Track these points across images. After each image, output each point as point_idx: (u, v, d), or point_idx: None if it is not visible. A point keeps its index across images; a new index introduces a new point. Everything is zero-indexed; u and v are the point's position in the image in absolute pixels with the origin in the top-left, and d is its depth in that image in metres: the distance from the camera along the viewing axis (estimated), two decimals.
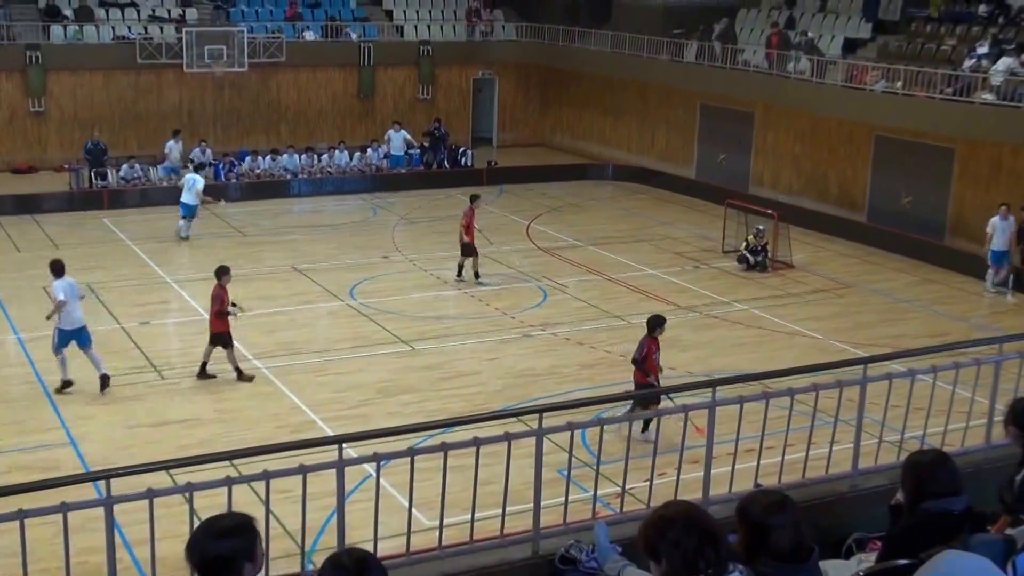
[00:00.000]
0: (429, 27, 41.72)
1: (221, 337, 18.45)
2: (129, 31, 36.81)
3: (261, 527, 4.60)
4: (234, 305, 18.60)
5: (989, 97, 26.36)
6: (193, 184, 28.77)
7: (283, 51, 37.44)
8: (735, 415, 8.10)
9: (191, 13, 38.53)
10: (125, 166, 33.28)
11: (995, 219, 24.02)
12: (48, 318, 18.03)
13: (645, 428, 14.34)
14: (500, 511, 7.67)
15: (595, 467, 8.21)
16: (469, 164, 37.79)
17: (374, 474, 7.41)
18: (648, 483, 8.17)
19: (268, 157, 34.91)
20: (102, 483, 6.71)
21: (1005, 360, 9.42)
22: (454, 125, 39.75)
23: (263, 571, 4.58)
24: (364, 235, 29.42)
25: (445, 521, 7.53)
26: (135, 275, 24.90)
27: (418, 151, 37.14)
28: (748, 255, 26.31)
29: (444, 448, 7.27)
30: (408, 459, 7.28)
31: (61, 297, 17.52)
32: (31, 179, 34.49)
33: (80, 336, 17.85)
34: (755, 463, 8.65)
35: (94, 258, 26.29)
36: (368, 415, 16.96)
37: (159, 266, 25.48)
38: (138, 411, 17.26)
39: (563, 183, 36.34)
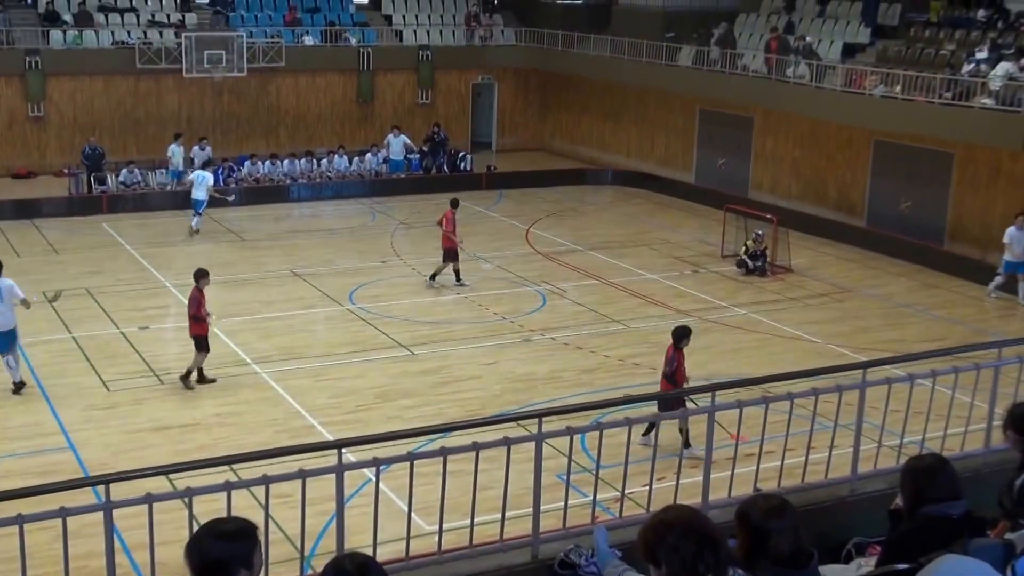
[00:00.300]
0: (428, 32, 41.75)
1: (202, 340, 18.39)
2: (128, 36, 36.83)
3: (261, 532, 4.60)
4: (209, 314, 18.56)
5: (988, 102, 26.37)
6: (203, 180, 29.42)
7: (282, 56, 37.45)
8: (734, 419, 8.11)
9: (190, 18, 38.56)
10: (124, 171, 33.30)
11: (1012, 229, 23.67)
12: None
13: (647, 431, 14.31)
14: (500, 516, 7.67)
15: (594, 472, 8.21)
16: (468, 169, 37.80)
17: (373, 479, 7.42)
18: (647, 487, 8.17)
19: (267, 162, 34.93)
20: (101, 488, 6.71)
21: (1004, 365, 9.42)
22: (453, 130, 39.77)
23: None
24: (363, 240, 29.43)
25: (445, 526, 7.53)
26: (134, 280, 24.90)
27: (417, 156, 37.15)
28: (747, 260, 26.32)
29: (443, 453, 7.27)
30: (407, 464, 7.28)
31: None
32: (30, 184, 34.52)
33: (3, 340, 17.75)
34: (755, 467, 8.65)
35: (93, 263, 26.30)
36: (367, 420, 16.98)
37: (158, 270, 25.47)
38: (137, 416, 17.25)
39: (562, 188, 36.36)
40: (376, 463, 7.10)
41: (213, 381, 18.52)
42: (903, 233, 28.38)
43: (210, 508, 6.57)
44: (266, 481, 6.77)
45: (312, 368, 19.55)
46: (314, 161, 35.72)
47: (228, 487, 6.65)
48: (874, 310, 23.80)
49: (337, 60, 39.23)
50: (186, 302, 18.87)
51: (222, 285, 24.77)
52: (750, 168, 34.09)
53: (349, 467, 7.23)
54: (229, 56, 36.08)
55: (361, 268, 26.15)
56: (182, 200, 32.49)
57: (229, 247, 28.70)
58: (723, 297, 24.41)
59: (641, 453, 8.22)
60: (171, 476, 9.45)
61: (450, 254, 24.63)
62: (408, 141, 36.44)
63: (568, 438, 7.66)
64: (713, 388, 8.43)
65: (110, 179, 32.99)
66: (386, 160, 36.39)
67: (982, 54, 27.89)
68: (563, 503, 7.95)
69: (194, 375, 18.41)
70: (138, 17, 38.01)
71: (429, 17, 42.70)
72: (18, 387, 17.86)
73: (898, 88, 28.33)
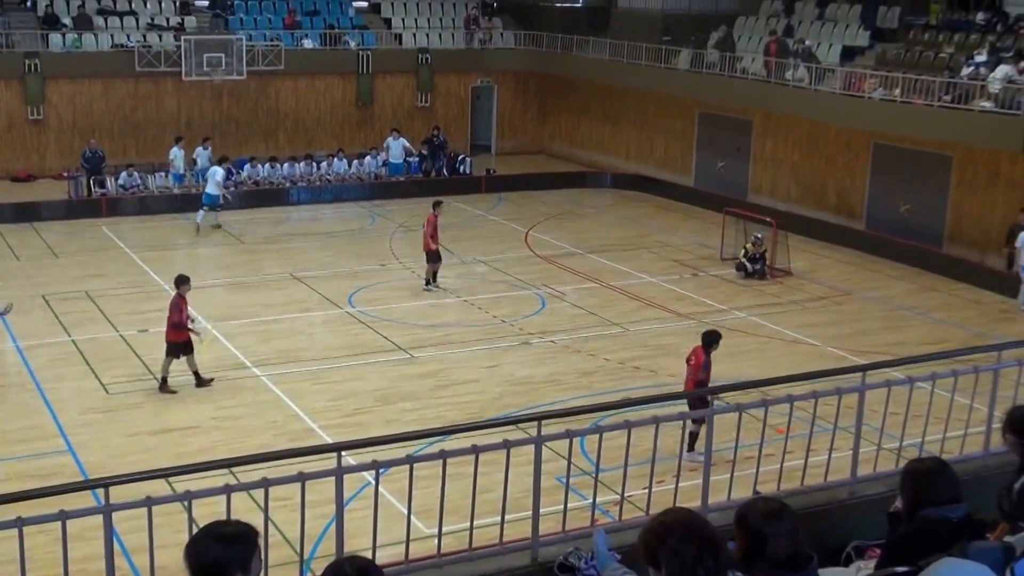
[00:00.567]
0: (428, 35, 41.76)
1: (177, 346, 18.32)
2: (128, 39, 36.85)
3: (261, 537, 4.60)
4: (192, 321, 18.54)
5: (987, 105, 26.39)
6: (215, 175, 30.08)
7: (282, 59, 37.46)
8: (734, 422, 8.11)
9: (190, 21, 38.59)
10: (124, 174, 33.31)
11: None
12: None
13: (691, 447, 13.92)
14: (499, 519, 7.67)
15: (594, 474, 8.21)
16: (468, 172, 37.81)
17: (373, 482, 7.42)
18: (647, 490, 8.17)
19: (267, 165, 34.93)
20: (101, 491, 6.70)
21: (1003, 368, 9.42)
22: (452, 133, 39.78)
23: None
24: (362, 243, 29.44)
25: (444, 529, 7.53)
26: (133, 283, 24.90)
27: (417, 159, 37.16)
28: (746, 263, 26.32)
29: (443, 456, 7.27)
30: (407, 467, 7.27)
31: None
32: (30, 187, 34.52)
33: None
34: (754, 470, 8.65)
35: (93, 266, 26.30)
36: (366, 423, 16.98)
37: (157, 274, 25.46)
38: (137, 419, 17.25)
39: (561, 191, 36.37)
40: (375, 466, 7.09)
41: (210, 381, 18.48)
42: (902, 236, 28.40)
43: (209, 511, 6.56)
44: (265, 484, 6.76)
45: (311, 371, 19.55)
46: (313, 164, 35.72)
47: (227, 490, 6.65)
48: (873, 313, 23.80)
49: (336, 63, 39.24)
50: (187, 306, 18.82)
51: (222, 288, 24.83)
52: (749, 171, 34.10)
53: (348, 470, 7.23)
54: (228, 59, 36.10)
55: (360, 271, 26.15)
56: (182, 203, 32.61)
57: (229, 250, 28.72)
58: (722, 300, 24.42)
59: (641, 456, 8.21)
60: (170, 479, 9.44)
61: (432, 256, 24.61)
62: (407, 144, 36.45)
63: (567, 441, 7.67)
64: (712, 391, 8.44)
65: (109, 182, 32.99)
66: (385, 163, 36.41)
67: (981, 57, 27.90)
68: (562, 506, 7.96)
69: (171, 379, 18.37)
70: (137, 20, 38.03)
71: (428, 20, 42.72)
72: None
73: (897, 91, 28.34)
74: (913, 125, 28.02)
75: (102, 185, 32.79)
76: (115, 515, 6.52)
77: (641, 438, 8.01)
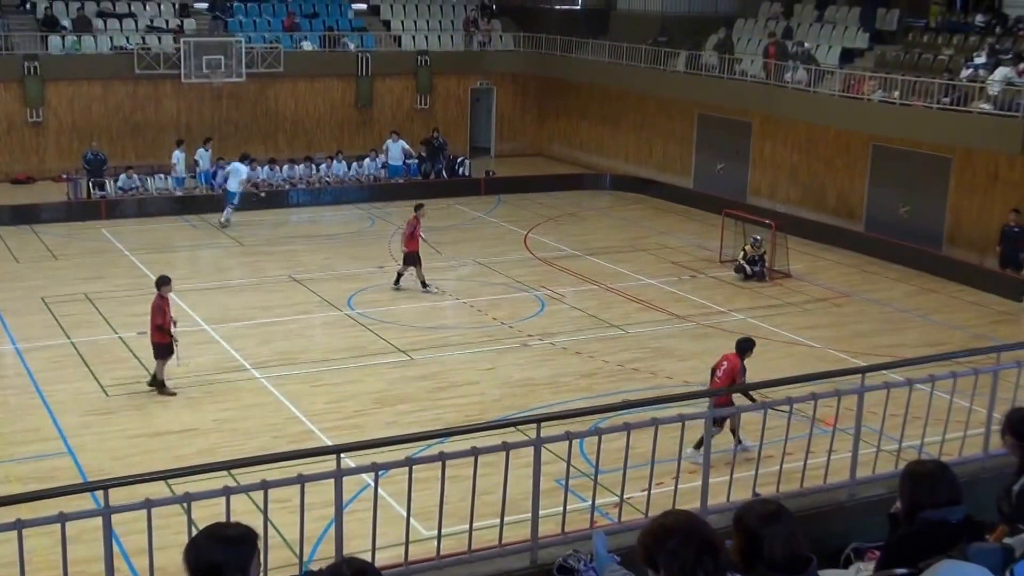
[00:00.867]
0: (427, 37, 41.78)
1: (161, 349, 18.31)
2: (127, 41, 36.84)
3: (261, 540, 4.60)
4: (175, 324, 18.49)
5: (986, 107, 26.41)
6: (237, 172, 30.79)
7: (281, 61, 37.47)
8: (732, 425, 8.11)
9: (189, 23, 38.59)
10: (123, 176, 33.31)
11: None
12: None
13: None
14: (498, 521, 7.67)
15: (593, 477, 8.21)
16: (467, 174, 37.81)
17: (372, 484, 7.41)
18: (646, 492, 8.17)
19: (266, 167, 34.92)
20: (100, 493, 6.70)
21: (1002, 369, 9.42)
22: (452, 135, 39.77)
23: None
24: (361, 245, 29.42)
25: (443, 531, 7.53)
26: (133, 285, 24.87)
27: (416, 161, 37.17)
28: (745, 265, 26.32)
29: (442, 458, 7.27)
30: (406, 469, 7.27)
31: None
32: (29, 189, 34.51)
33: None
34: (753, 472, 8.65)
35: (92, 268, 26.29)
36: (365, 425, 16.97)
37: (156, 276, 25.43)
38: (136, 421, 17.25)
39: (561, 193, 36.37)
40: (375, 468, 7.09)
41: (174, 394, 18.46)
42: (901, 238, 28.40)
43: (209, 513, 6.56)
44: (265, 486, 6.76)
45: (311, 373, 19.55)
46: (313, 166, 35.72)
47: (227, 492, 6.65)
48: (872, 315, 23.81)
49: (336, 65, 39.24)
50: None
51: (221, 290, 24.82)
52: (748, 173, 34.11)
53: (348, 472, 7.23)
54: (228, 61, 36.10)
55: (359, 273, 26.14)
56: (181, 206, 32.64)
57: (228, 252, 28.72)
58: (721, 302, 24.43)
59: (640, 458, 8.21)
60: (170, 481, 9.44)
61: (412, 258, 24.60)
62: (407, 146, 36.47)
63: (567, 443, 7.67)
64: (711, 393, 8.44)
65: (109, 184, 32.99)
66: (385, 165, 36.42)
67: (980, 59, 27.93)
68: (562, 508, 7.95)
69: (169, 382, 18.35)
70: (137, 23, 38.03)
71: (428, 22, 42.73)
72: None
73: (896, 93, 28.36)
74: (912, 127, 28.03)
75: (101, 187, 32.78)
76: (114, 517, 6.52)
77: (640, 440, 8.01)
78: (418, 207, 25.32)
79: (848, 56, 32.57)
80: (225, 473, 9.11)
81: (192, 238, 30.09)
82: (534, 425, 7.65)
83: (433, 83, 40.86)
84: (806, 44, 32.92)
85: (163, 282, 18.59)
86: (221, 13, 39.59)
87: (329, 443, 15.40)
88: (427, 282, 24.65)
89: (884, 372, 9.87)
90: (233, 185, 31.01)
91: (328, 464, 7.15)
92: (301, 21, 40.28)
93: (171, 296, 18.86)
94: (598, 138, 40.55)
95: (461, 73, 41.59)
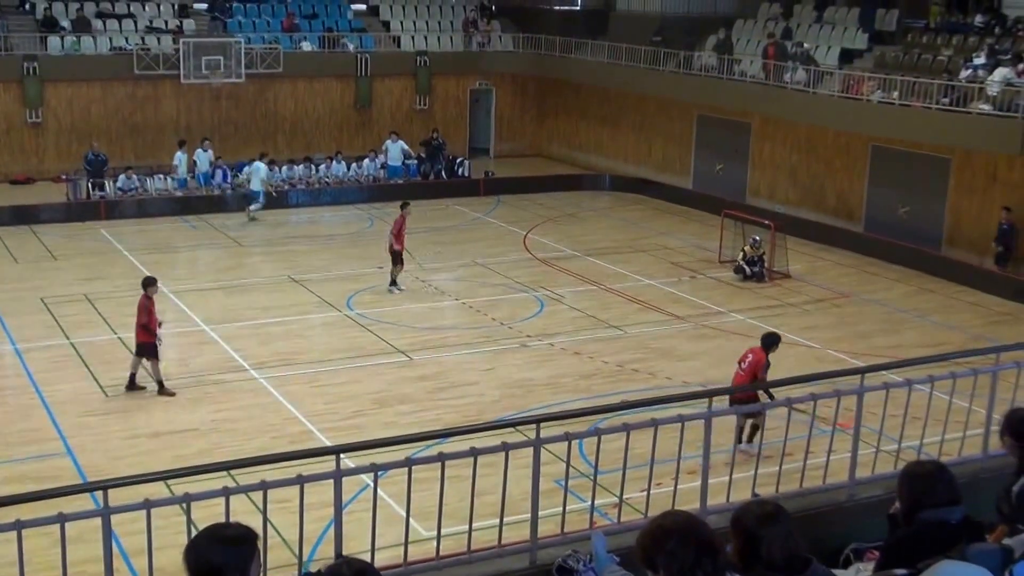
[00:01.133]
0: (426, 38, 41.77)
1: (146, 348, 18.32)
2: (126, 42, 36.83)
3: (262, 541, 4.60)
4: (160, 325, 18.49)
5: (985, 107, 26.41)
6: (258, 171, 31.48)
7: (280, 62, 37.46)
8: (732, 425, 8.11)
9: (188, 24, 38.57)
10: (122, 177, 33.30)
11: None
12: None
13: (750, 439, 14.09)
14: (498, 521, 7.67)
15: (592, 477, 8.22)
16: (466, 175, 37.81)
17: (371, 484, 7.42)
18: (645, 493, 8.17)
19: (265, 168, 34.87)
20: (99, 493, 6.71)
21: (1001, 370, 9.43)
22: (451, 136, 39.76)
23: None
24: (360, 246, 29.42)
25: (443, 531, 7.53)
26: (132, 286, 24.78)
27: (415, 162, 37.18)
28: (745, 265, 26.32)
29: (441, 458, 7.27)
30: (405, 469, 7.28)
31: None
32: (28, 190, 34.49)
33: None
34: (752, 472, 8.65)
35: (91, 269, 26.28)
36: (365, 425, 16.96)
37: (156, 277, 25.42)
38: (135, 421, 17.24)
39: (560, 193, 36.37)
40: (374, 469, 7.10)
41: (143, 389, 18.43)
42: (900, 238, 28.41)
43: (208, 514, 6.57)
44: (264, 487, 6.77)
45: (310, 374, 19.55)
46: (312, 167, 35.72)
47: (226, 492, 6.65)
48: (872, 315, 23.81)
49: (335, 66, 39.24)
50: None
51: (220, 291, 24.82)
52: (748, 174, 34.11)
53: (347, 472, 7.23)
54: (227, 62, 36.09)
55: (359, 274, 26.13)
56: (181, 206, 32.64)
57: (227, 253, 28.72)
58: (721, 303, 24.43)
59: (639, 459, 8.21)
60: (169, 482, 9.45)
61: (396, 257, 24.61)
62: (406, 147, 36.49)
63: (566, 443, 7.67)
64: (710, 394, 8.44)
65: (108, 185, 32.99)
66: (384, 166, 36.43)
67: (979, 60, 27.93)
68: (561, 508, 7.95)
69: (167, 383, 18.36)
70: (136, 23, 38.01)
71: (427, 23, 42.72)
72: None
73: (895, 94, 28.36)
74: (911, 128, 28.04)
75: (101, 188, 32.77)
76: (114, 518, 6.53)
77: (639, 441, 8.01)
78: (404, 205, 25.39)
79: (847, 57, 32.57)
80: (224, 473, 9.11)
81: (191, 239, 30.09)
82: (533, 426, 7.66)
83: (432, 84, 40.86)
84: (805, 45, 32.92)
85: (149, 283, 18.68)
86: (220, 14, 39.59)
87: (328, 443, 15.40)
88: (397, 282, 24.67)
89: (883, 372, 9.87)
90: (256, 184, 31.78)
91: (327, 464, 7.16)
92: (300, 22, 40.27)
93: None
94: (597, 139, 40.55)
95: (460, 74, 41.59)
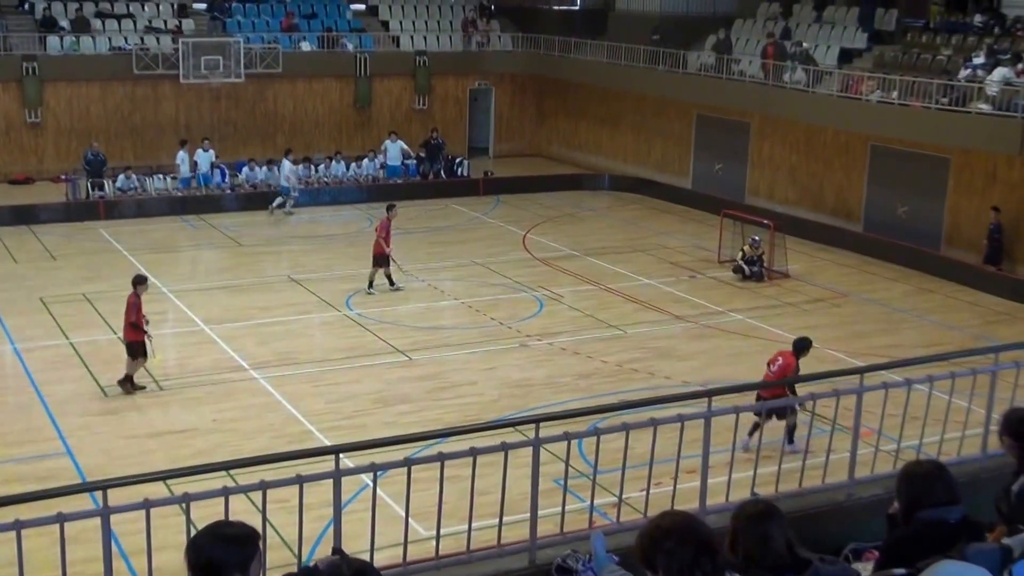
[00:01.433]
0: (425, 37, 41.76)
1: (137, 346, 18.35)
2: (125, 42, 36.82)
3: (262, 539, 4.60)
4: (147, 323, 18.50)
5: (984, 107, 26.42)
6: (283, 169, 32.69)
7: (279, 62, 37.44)
8: (731, 425, 8.11)
9: (187, 24, 38.56)
10: (122, 176, 33.31)
11: None
12: None
13: (791, 439, 14.18)
14: (497, 521, 7.67)
15: (592, 477, 8.22)
16: (465, 174, 37.81)
17: (371, 484, 7.42)
18: (645, 493, 8.17)
19: (264, 167, 34.92)
20: (99, 493, 6.71)
21: (1000, 369, 9.43)
22: (450, 135, 39.76)
23: None
24: (360, 246, 29.31)
25: (442, 531, 7.53)
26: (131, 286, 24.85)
27: (414, 161, 37.18)
28: (744, 265, 26.33)
29: (441, 458, 7.27)
30: (405, 469, 7.28)
31: None
32: (27, 190, 34.48)
33: None
34: (752, 472, 8.65)
35: (91, 268, 26.27)
36: (364, 425, 16.97)
37: (155, 277, 25.35)
38: (135, 421, 17.25)
39: (559, 193, 36.37)
40: (373, 468, 7.10)
41: (143, 388, 18.46)
42: (900, 238, 28.41)
43: (208, 513, 6.55)
44: (264, 486, 6.76)
45: (309, 373, 19.55)
46: (311, 167, 35.71)
47: (226, 492, 6.65)
48: (871, 315, 23.82)
49: (334, 66, 39.23)
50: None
51: (220, 290, 24.82)
52: (747, 174, 34.11)
53: (346, 472, 7.23)
54: (226, 62, 36.07)
55: (358, 274, 26.08)
56: (180, 206, 32.65)
57: (227, 252, 28.71)
58: (720, 302, 24.43)
59: (639, 458, 8.21)
60: (169, 482, 9.45)
61: (380, 260, 24.60)
62: (405, 147, 36.49)
63: (565, 443, 7.67)
64: (710, 393, 8.44)
65: (107, 185, 32.99)
66: (383, 166, 36.44)
67: (979, 59, 27.94)
68: (560, 508, 7.95)
69: (135, 380, 18.38)
70: (135, 23, 38.00)
71: (426, 23, 42.72)
72: None
73: (895, 93, 28.36)
74: (911, 127, 28.04)
75: (100, 188, 32.77)
76: (113, 517, 6.53)
77: (639, 440, 8.01)
78: (390, 207, 25.42)
79: (847, 56, 32.58)
80: (224, 473, 9.11)
81: (191, 238, 30.10)
82: (533, 425, 7.65)
83: (431, 84, 40.85)
84: (804, 44, 32.91)
85: (139, 281, 18.75)
86: (219, 14, 39.58)
87: (328, 443, 15.40)
88: (374, 284, 24.69)
89: (882, 372, 9.87)
90: (283, 180, 32.64)
91: (327, 464, 7.16)
92: (299, 22, 40.26)
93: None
94: (596, 138, 40.55)
95: (459, 73, 41.59)
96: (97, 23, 37.45)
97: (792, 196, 32.42)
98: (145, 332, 18.30)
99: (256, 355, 20.37)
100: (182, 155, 33.39)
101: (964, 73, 27.75)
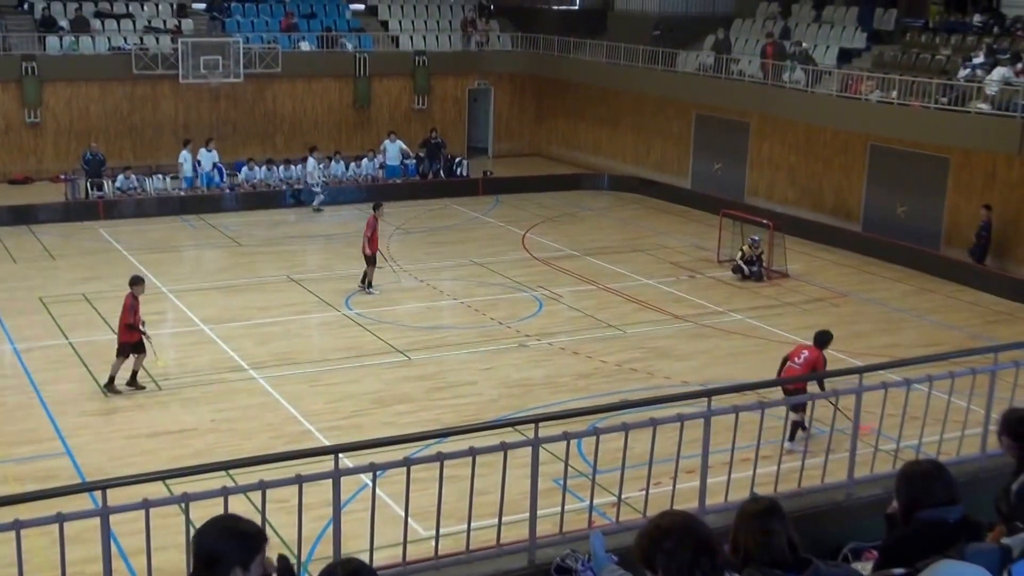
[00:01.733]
0: (424, 37, 41.75)
1: (128, 347, 18.33)
2: (125, 42, 36.80)
3: (270, 544, 4.61)
4: (144, 324, 18.49)
5: (984, 107, 26.43)
6: (314, 168, 33.50)
7: (279, 62, 37.43)
8: (731, 425, 8.11)
9: (187, 24, 38.56)
10: (121, 176, 33.31)
11: None
12: None
13: (792, 437, 14.92)
14: (496, 521, 7.67)
15: (591, 476, 8.22)
16: (465, 174, 37.81)
17: (370, 484, 7.42)
18: (644, 492, 8.17)
19: (264, 167, 34.93)
20: (98, 493, 6.70)
21: (1000, 369, 9.42)
22: (449, 135, 39.75)
23: None
24: (359, 246, 29.30)
25: (441, 531, 7.53)
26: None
27: (414, 161, 37.18)
28: (743, 265, 26.33)
29: (440, 458, 7.27)
30: (404, 469, 7.27)
31: None
32: (27, 190, 34.46)
33: None
34: (751, 472, 8.65)
35: (90, 268, 26.27)
36: (363, 425, 16.97)
37: (155, 277, 25.39)
38: (134, 421, 17.24)
39: (559, 193, 36.36)
40: (373, 468, 7.09)
41: (143, 388, 18.46)
42: (899, 238, 28.42)
43: (207, 513, 6.54)
44: (263, 486, 6.76)
45: (308, 373, 19.55)
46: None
47: (225, 492, 6.65)
48: (870, 315, 23.82)
49: (333, 66, 39.22)
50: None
51: (219, 290, 24.81)
52: (746, 173, 34.11)
53: (346, 472, 7.23)
54: (225, 62, 36.07)
55: (357, 274, 26.06)
56: (179, 206, 32.65)
57: (225, 252, 28.71)
58: (719, 302, 24.43)
59: (638, 458, 8.21)
60: (168, 481, 9.45)
61: (371, 259, 24.59)
62: (404, 147, 36.48)
63: (564, 443, 7.67)
64: (709, 393, 8.43)
65: (107, 185, 32.99)
66: (382, 166, 36.44)
67: (978, 59, 27.94)
68: (559, 508, 7.95)
69: (138, 380, 18.41)
70: (134, 23, 37.99)
71: (425, 23, 42.71)
72: None
73: (894, 93, 28.37)
74: (910, 127, 28.04)
75: (99, 188, 32.77)
76: (112, 517, 6.52)
77: (638, 440, 8.00)
78: (376, 207, 25.43)
79: (846, 56, 32.59)
80: (223, 473, 9.10)
81: (190, 238, 30.09)
82: (532, 425, 7.65)
83: (431, 83, 40.84)
84: (804, 44, 32.92)
85: (136, 281, 18.78)
86: (219, 13, 39.57)
87: (327, 443, 15.40)
88: (373, 283, 24.65)
89: (882, 372, 9.86)
90: (311, 178, 33.39)
91: (326, 464, 7.15)
92: (299, 21, 40.24)
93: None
94: (596, 138, 40.55)
95: (459, 73, 41.59)
96: (96, 23, 37.43)
97: (791, 196, 32.42)
98: (143, 333, 18.29)
99: (255, 355, 20.37)
100: (185, 154, 33.39)
101: (963, 73, 27.75)
